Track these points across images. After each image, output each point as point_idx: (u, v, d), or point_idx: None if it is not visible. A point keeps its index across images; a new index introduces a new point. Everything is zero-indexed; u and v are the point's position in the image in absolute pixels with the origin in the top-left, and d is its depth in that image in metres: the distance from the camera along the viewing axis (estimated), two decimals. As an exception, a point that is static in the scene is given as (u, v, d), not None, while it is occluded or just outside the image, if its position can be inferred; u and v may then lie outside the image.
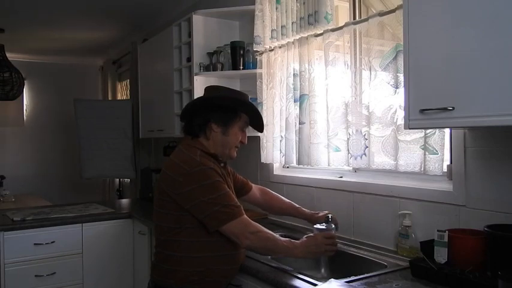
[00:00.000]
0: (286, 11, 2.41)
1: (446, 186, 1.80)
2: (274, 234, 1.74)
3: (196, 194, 1.63)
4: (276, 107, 2.53)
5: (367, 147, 1.99)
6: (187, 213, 1.67)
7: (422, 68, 1.45)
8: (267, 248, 1.71)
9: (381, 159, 1.96)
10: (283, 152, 2.49)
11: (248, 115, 1.83)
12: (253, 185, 2.18)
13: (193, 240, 1.69)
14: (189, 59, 3.01)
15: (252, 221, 1.71)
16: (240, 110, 1.80)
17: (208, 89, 1.91)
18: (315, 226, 1.90)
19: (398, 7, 1.77)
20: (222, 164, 1.83)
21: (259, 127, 1.91)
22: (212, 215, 1.63)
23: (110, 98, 6.24)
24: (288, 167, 2.72)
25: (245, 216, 1.68)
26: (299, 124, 2.33)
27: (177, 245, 1.70)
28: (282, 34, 2.44)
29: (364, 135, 2.00)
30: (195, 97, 2.92)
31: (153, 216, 1.82)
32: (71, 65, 6.42)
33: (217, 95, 1.84)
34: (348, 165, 2.14)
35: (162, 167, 1.80)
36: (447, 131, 1.73)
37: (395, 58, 1.84)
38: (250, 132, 2.74)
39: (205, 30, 2.98)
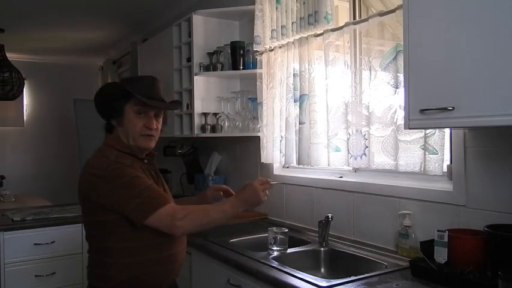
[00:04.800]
0: (286, 11, 2.41)
1: (446, 186, 1.80)
2: (204, 207, 1.66)
3: (116, 192, 1.54)
4: (276, 107, 2.53)
5: (367, 147, 1.99)
6: (113, 217, 1.57)
7: (422, 68, 1.45)
8: (203, 225, 1.65)
9: (381, 159, 1.96)
10: (283, 152, 2.49)
11: (136, 95, 1.60)
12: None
13: (123, 245, 1.60)
14: (189, 59, 3.01)
15: (179, 206, 1.61)
16: (122, 93, 1.62)
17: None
18: None
19: (398, 7, 1.77)
20: (145, 161, 1.73)
21: (148, 103, 1.63)
22: (135, 208, 1.53)
23: (110, 98, 6.22)
24: (288, 167, 2.71)
25: (171, 204, 1.58)
26: (299, 124, 2.33)
27: (107, 251, 1.62)
28: (282, 34, 2.44)
29: (364, 135, 2.00)
30: (195, 97, 2.93)
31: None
32: (71, 65, 6.41)
33: (100, 89, 1.74)
34: (348, 165, 2.14)
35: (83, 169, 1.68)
36: (447, 131, 1.73)
37: (395, 58, 1.84)
38: (250, 132, 2.78)
39: (205, 30, 2.98)
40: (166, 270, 1.68)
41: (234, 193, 1.81)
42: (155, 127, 1.67)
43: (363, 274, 1.64)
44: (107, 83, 1.74)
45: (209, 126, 2.93)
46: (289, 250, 2.05)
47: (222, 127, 2.91)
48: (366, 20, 1.98)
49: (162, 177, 1.81)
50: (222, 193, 1.90)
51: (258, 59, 2.68)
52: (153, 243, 1.61)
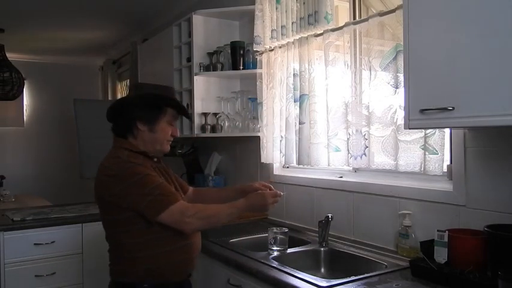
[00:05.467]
0: (286, 11, 2.41)
1: (446, 186, 1.80)
2: (214, 207, 1.74)
3: (129, 191, 1.62)
4: (276, 107, 2.53)
5: (367, 147, 1.99)
6: (127, 214, 1.65)
7: (422, 68, 1.45)
8: (211, 223, 1.74)
9: (381, 159, 1.96)
10: (283, 152, 2.49)
11: (174, 108, 1.81)
12: (190, 187, 2.11)
13: (138, 240, 1.67)
14: (189, 59, 3.01)
15: (189, 204, 1.71)
16: (164, 105, 1.77)
17: (132, 87, 1.90)
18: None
19: (398, 7, 1.77)
20: (155, 159, 1.81)
21: (187, 117, 2.00)
22: (147, 205, 1.61)
23: (110, 98, 6.22)
24: (288, 167, 2.71)
25: (181, 201, 1.67)
26: (299, 124, 2.33)
27: (124, 247, 1.70)
28: (282, 34, 2.44)
29: (364, 135, 2.00)
30: (195, 97, 2.93)
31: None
32: (71, 65, 6.41)
33: (139, 93, 1.82)
34: (348, 165, 2.14)
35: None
36: (447, 131, 1.73)
37: (395, 58, 1.84)
38: (250, 132, 2.78)
39: (205, 30, 2.98)
40: (183, 260, 1.75)
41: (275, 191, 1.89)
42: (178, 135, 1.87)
43: (363, 274, 1.64)
44: (144, 90, 1.85)
45: (209, 126, 2.93)
46: (289, 250, 2.05)
47: (222, 127, 2.91)
48: (366, 20, 1.98)
49: (171, 174, 1.92)
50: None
51: (258, 59, 2.68)
52: (168, 235, 1.67)
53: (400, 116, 1.79)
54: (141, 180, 1.63)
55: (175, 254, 1.71)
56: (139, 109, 1.74)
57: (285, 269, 1.74)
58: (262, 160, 2.66)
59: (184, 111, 1.88)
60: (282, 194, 1.83)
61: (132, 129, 1.75)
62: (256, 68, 2.71)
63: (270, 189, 1.89)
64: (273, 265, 1.80)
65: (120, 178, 1.64)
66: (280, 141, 2.51)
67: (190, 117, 1.97)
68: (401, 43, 1.60)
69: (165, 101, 1.78)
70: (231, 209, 1.73)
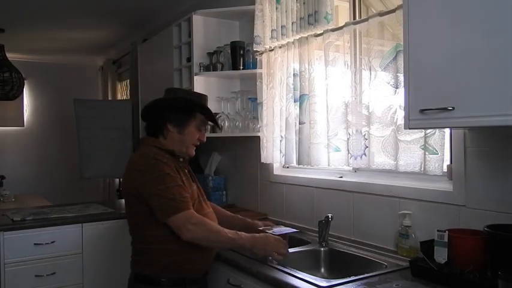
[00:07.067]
0: (286, 11, 2.41)
1: (446, 186, 1.80)
2: (219, 227, 1.79)
3: (148, 186, 1.73)
4: (276, 107, 2.53)
5: (367, 147, 1.99)
6: (146, 208, 1.74)
7: (422, 68, 1.45)
8: (210, 239, 1.76)
9: (381, 159, 1.96)
10: (283, 152, 2.49)
11: (204, 115, 1.91)
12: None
13: (157, 234, 1.76)
14: (189, 59, 3.01)
15: (198, 214, 1.76)
16: (195, 111, 1.88)
17: (167, 91, 1.99)
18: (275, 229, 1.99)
19: (398, 7, 1.77)
20: (181, 159, 1.91)
21: (216, 124, 2.15)
22: (159, 207, 1.71)
23: (110, 98, 6.23)
24: (288, 167, 2.71)
25: (191, 210, 1.74)
26: (299, 124, 2.33)
27: (147, 239, 1.79)
28: (282, 34, 2.44)
29: (364, 135, 2.00)
30: (195, 97, 2.93)
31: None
32: (71, 65, 6.41)
33: (173, 96, 1.93)
34: (348, 165, 2.14)
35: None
36: (447, 131, 1.73)
37: (395, 58, 1.84)
38: (250, 132, 2.78)
39: (205, 30, 2.98)
40: (200, 257, 1.83)
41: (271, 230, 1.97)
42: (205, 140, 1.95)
43: (363, 274, 1.64)
44: (178, 94, 1.98)
45: (209, 126, 2.93)
46: (289, 250, 2.05)
47: (222, 127, 2.91)
48: (366, 20, 1.98)
49: (195, 176, 2.02)
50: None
51: (258, 59, 2.68)
52: None
53: (400, 116, 1.79)
54: (160, 178, 1.72)
55: (193, 250, 1.77)
56: (171, 111, 1.86)
57: (285, 269, 1.74)
58: (262, 160, 2.66)
59: (214, 119, 1.99)
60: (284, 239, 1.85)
61: (162, 130, 1.87)
62: (256, 68, 2.70)
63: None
64: (273, 265, 1.80)
65: (143, 172, 1.74)
66: (280, 141, 2.51)
67: (219, 125, 2.11)
68: (401, 43, 1.60)
69: (196, 107, 1.88)
70: (234, 235, 1.76)
